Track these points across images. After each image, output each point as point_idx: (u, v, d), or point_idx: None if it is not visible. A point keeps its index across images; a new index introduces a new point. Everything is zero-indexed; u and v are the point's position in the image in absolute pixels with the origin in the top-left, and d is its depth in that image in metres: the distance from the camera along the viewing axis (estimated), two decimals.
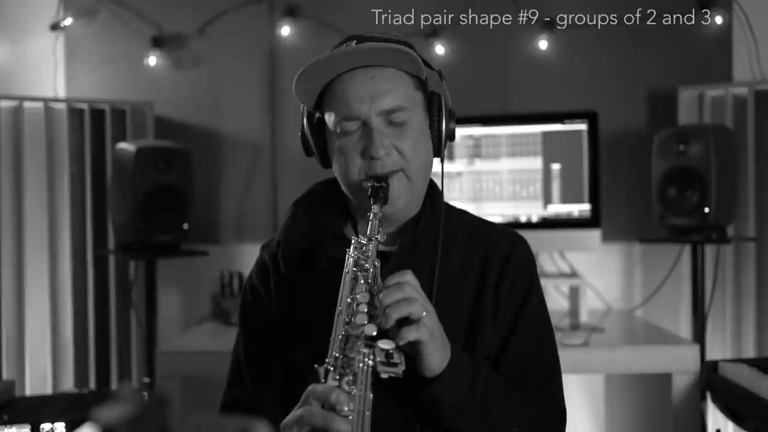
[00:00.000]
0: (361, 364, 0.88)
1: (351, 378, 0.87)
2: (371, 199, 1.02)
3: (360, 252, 0.99)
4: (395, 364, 0.88)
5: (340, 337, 0.91)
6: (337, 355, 0.90)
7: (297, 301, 1.13)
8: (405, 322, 0.92)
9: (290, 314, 1.13)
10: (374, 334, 0.89)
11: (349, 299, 0.94)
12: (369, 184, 1.03)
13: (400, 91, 1.04)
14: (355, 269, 0.97)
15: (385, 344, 0.89)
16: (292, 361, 1.12)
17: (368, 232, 1.00)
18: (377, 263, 0.98)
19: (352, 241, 1.01)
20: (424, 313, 0.92)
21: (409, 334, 0.90)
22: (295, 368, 1.11)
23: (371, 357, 0.88)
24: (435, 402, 0.98)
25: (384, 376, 0.88)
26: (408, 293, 0.92)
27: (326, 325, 0.95)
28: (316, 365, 0.90)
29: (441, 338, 0.96)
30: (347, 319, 0.93)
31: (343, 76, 1.04)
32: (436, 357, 0.95)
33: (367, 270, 0.97)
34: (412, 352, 0.93)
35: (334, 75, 1.04)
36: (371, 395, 0.87)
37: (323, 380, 0.88)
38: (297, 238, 1.14)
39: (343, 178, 1.08)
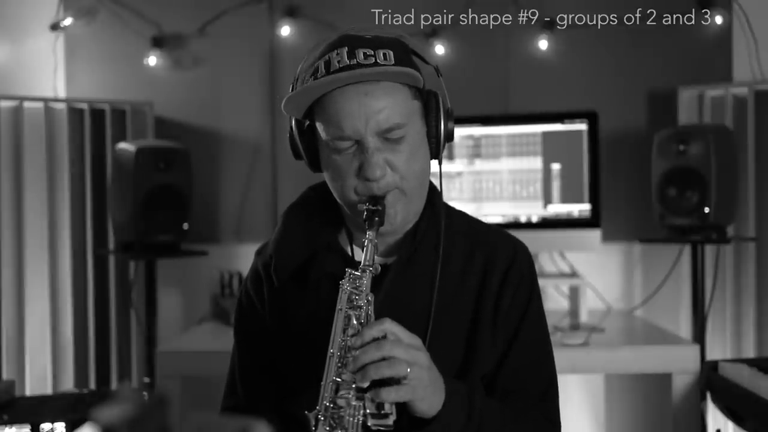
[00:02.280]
0: (351, 418, 0.87)
1: None
2: (366, 224, 0.98)
3: (353, 286, 0.95)
4: (386, 416, 0.87)
5: (330, 383, 0.89)
6: (327, 403, 0.88)
7: (290, 314, 1.11)
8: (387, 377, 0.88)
9: (283, 327, 1.12)
10: (367, 385, 0.88)
11: (341, 340, 0.92)
12: (364, 207, 0.99)
13: (396, 106, 0.98)
14: (347, 306, 0.94)
15: (373, 395, 0.88)
16: (285, 374, 1.11)
17: (362, 262, 0.96)
18: (370, 297, 0.95)
19: (346, 273, 0.97)
20: (408, 370, 0.88)
21: (389, 396, 0.87)
22: (288, 381, 1.10)
23: (361, 410, 0.87)
24: None
25: (374, 429, 0.87)
26: (387, 351, 0.87)
27: (320, 341, 0.93)
28: (306, 412, 0.89)
29: (432, 385, 0.92)
30: (339, 363, 0.90)
31: (335, 92, 0.97)
32: (425, 404, 0.92)
33: (359, 308, 0.94)
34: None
35: (324, 92, 0.98)
36: None
37: (314, 428, 0.88)
38: (290, 250, 1.11)
39: (338, 195, 1.05)
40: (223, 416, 0.51)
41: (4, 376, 2.45)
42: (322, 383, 0.90)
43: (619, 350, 2.08)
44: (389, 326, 0.90)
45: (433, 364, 0.93)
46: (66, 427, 1.41)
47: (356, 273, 0.96)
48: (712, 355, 2.42)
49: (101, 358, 2.61)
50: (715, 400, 1.86)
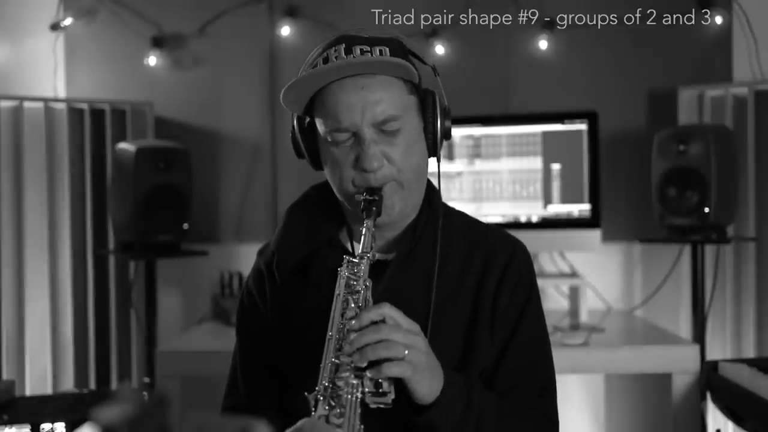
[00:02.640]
0: (349, 396, 0.88)
1: (339, 410, 0.87)
2: (364, 213, 1.00)
3: (351, 272, 0.97)
4: (384, 394, 0.88)
5: (329, 364, 0.90)
6: (326, 384, 0.89)
7: (292, 310, 1.13)
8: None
9: (285, 324, 1.13)
10: (364, 365, 0.89)
11: (339, 324, 0.93)
12: (362, 197, 1.01)
13: (392, 99, 1.01)
14: (346, 291, 0.96)
15: (374, 374, 0.89)
16: (287, 370, 1.12)
17: (360, 249, 0.98)
18: (368, 283, 0.96)
19: (344, 260, 0.98)
20: (406, 352, 0.89)
21: (390, 370, 0.88)
22: (290, 377, 1.11)
23: (360, 388, 0.88)
24: (429, 428, 0.97)
25: (373, 406, 0.88)
26: (385, 334, 0.89)
27: (321, 336, 0.94)
28: (306, 393, 0.90)
29: (430, 369, 0.94)
30: (338, 345, 0.91)
31: (333, 85, 1.00)
32: (424, 388, 0.93)
33: (357, 292, 0.95)
34: (400, 380, 0.92)
35: (323, 84, 1.01)
36: (361, 426, 0.87)
37: (313, 409, 0.89)
38: (291, 247, 1.13)
39: (336, 187, 1.07)
40: (223, 416, 0.51)
41: (4, 376, 2.45)
42: (321, 365, 0.91)
43: (619, 350, 2.08)
44: (387, 311, 0.92)
45: (431, 350, 0.95)
46: (66, 427, 1.41)
47: (354, 260, 0.98)
48: (712, 355, 2.42)
49: (101, 358, 2.61)
50: (715, 400, 1.86)
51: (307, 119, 1.08)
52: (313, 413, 0.89)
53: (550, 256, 2.67)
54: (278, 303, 1.14)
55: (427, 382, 0.93)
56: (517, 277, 1.11)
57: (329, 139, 1.03)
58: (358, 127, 1.00)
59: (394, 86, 1.02)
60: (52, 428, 1.40)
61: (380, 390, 0.88)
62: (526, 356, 1.11)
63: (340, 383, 0.89)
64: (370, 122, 1.00)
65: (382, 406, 0.88)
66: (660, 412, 2.60)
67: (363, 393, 0.88)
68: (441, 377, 0.96)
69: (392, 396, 0.88)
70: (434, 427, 0.96)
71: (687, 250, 2.52)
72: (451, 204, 1.21)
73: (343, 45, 1.00)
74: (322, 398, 0.89)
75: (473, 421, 0.99)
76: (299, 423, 0.90)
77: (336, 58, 1.00)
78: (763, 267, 2.44)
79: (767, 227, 2.45)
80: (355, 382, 0.88)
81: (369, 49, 1.00)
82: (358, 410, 0.87)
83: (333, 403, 0.88)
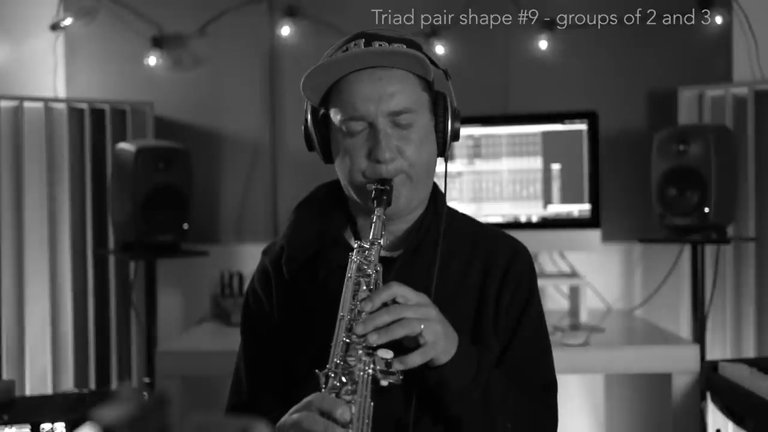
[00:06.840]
0: (361, 372, 0.89)
1: (351, 387, 0.89)
2: (375, 202, 1.02)
3: (362, 257, 0.99)
4: (394, 372, 0.91)
5: (341, 343, 0.92)
6: (337, 361, 0.90)
7: (299, 307, 1.14)
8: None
9: (292, 320, 1.14)
10: (375, 345, 0.91)
11: (351, 305, 0.95)
12: (373, 187, 1.03)
13: (407, 92, 1.04)
14: (357, 274, 0.98)
15: (384, 353, 0.91)
16: (293, 366, 1.12)
17: (371, 236, 1.01)
18: (379, 268, 0.99)
19: (355, 245, 1.01)
20: (422, 326, 0.92)
21: (413, 360, 0.92)
22: (296, 374, 1.11)
23: (371, 365, 0.90)
24: (441, 386, 0.99)
25: (384, 383, 0.90)
26: (398, 313, 0.92)
27: (328, 333, 0.95)
28: (316, 370, 0.91)
29: (445, 336, 0.96)
30: (349, 325, 0.93)
31: (350, 76, 1.04)
32: (442, 356, 0.96)
33: (369, 275, 0.98)
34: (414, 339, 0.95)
35: (341, 74, 1.04)
36: (371, 403, 0.88)
37: (323, 386, 0.90)
38: (302, 243, 1.15)
39: (347, 177, 1.08)
40: (224, 416, 0.51)
41: (4, 376, 2.45)
42: (332, 344, 0.93)
43: (619, 350, 2.08)
44: (397, 289, 0.94)
45: (442, 316, 0.98)
46: (66, 427, 1.41)
47: (365, 245, 1.00)
48: (712, 355, 2.42)
49: (101, 358, 2.61)
50: (715, 400, 1.86)
51: (321, 111, 1.10)
52: (323, 389, 0.89)
53: (550, 256, 2.67)
54: (285, 299, 1.15)
55: (443, 346, 0.96)
56: (518, 278, 1.12)
57: (344, 129, 1.05)
58: (374, 117, 1.03)
59: (409, 80, 1.05)
60: (52, 428, 1.40)
61: (390, 369, 0.91)
62: (526, 356, 1.11)
63: (352, 361, 0.90)
64: (385, 113, 1.03)
65: (392, 382, 0.90)
66: (660, 412, 2.60)
67: (374, 371, 0.90)
68: (455, 340, 0.99)
69: (401, 374, 0.91)
70: (445, 383, 0.98)
71: (687, 250, 2.52)
72: (451, 204, 1.21)
73: (363, 40, 1.05)
74: (333, 375, 0.90)
75: (483, 384, 1.00)
76: (309, 397, 0.90)
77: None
78: (763, 267, 2.44)
79: (767, 227, 2.45)
80: (366, 359, 0.90)
81: (388, 44, 1.05)
82: (370, 386, 0.89)
83: (345, 380, 0.89)
